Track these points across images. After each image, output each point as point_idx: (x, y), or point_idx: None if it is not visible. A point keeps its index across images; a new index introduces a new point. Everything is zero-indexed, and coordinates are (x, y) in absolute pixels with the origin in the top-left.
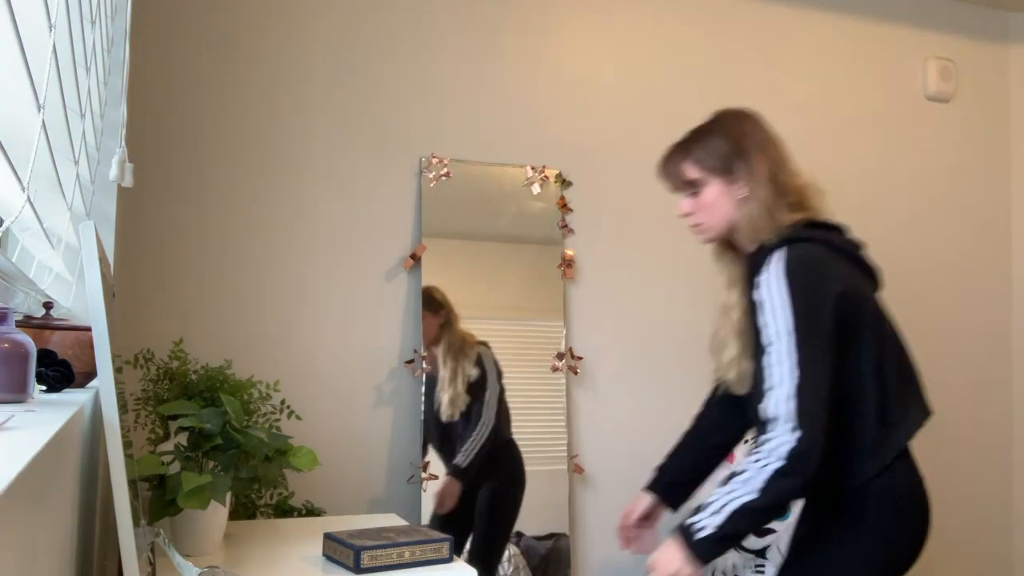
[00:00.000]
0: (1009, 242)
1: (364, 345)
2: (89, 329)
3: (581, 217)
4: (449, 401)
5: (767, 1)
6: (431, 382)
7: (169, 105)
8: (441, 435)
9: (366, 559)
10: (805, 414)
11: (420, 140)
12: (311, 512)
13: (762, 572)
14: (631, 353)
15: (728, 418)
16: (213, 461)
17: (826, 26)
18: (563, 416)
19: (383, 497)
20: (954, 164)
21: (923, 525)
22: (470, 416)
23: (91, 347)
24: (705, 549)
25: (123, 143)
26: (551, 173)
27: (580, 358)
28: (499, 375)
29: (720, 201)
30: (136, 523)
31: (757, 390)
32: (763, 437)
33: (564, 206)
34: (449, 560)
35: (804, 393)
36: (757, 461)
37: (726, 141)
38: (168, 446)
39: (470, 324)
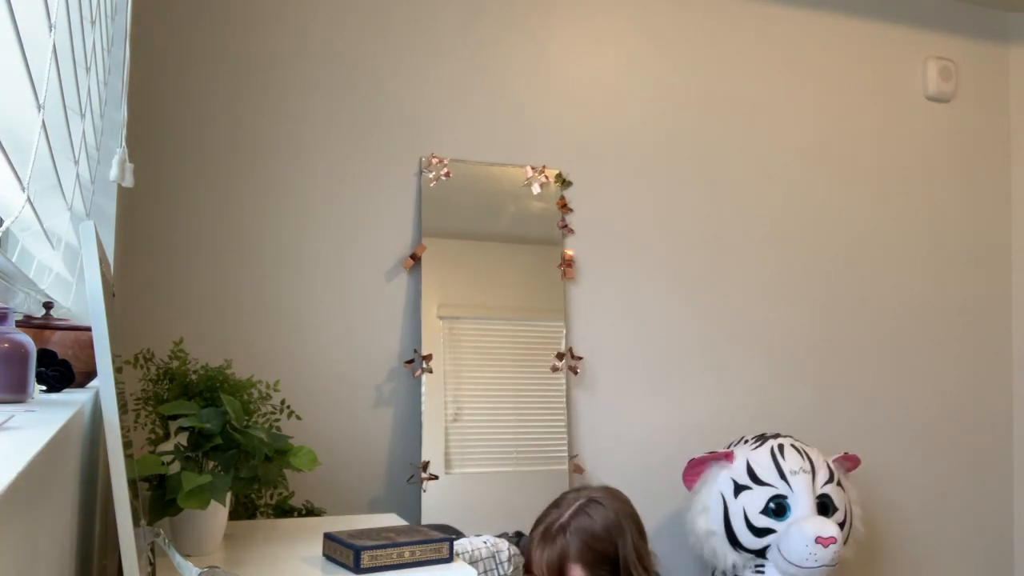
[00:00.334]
0: (1009, 242)
1: (364, 345)
2: (89, 329)
3: (581, 217)
4: None
5: (767, 1)
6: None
7: (169, 105)
8: None
9: (366, 559)
10: None
11: (420, 140)
12: (311, 512)
13: (762, 572)
14: (631, 353)
15: None
16: (213, 461)
17: (826, 26)
18: (563, 416)
19: (383, 497)
20: (954, 164)
21: None
22: None
23: (91, 347)
24: None
25: (123, 143)
26: (551, 173)
27: (580, 358)
28: None
29: None
30: (136, 523)
31: None
32: None
33: (564, 206)
34: (449, 560)
35: None
36: None
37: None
38: (168, 446)
39: (470, 324)
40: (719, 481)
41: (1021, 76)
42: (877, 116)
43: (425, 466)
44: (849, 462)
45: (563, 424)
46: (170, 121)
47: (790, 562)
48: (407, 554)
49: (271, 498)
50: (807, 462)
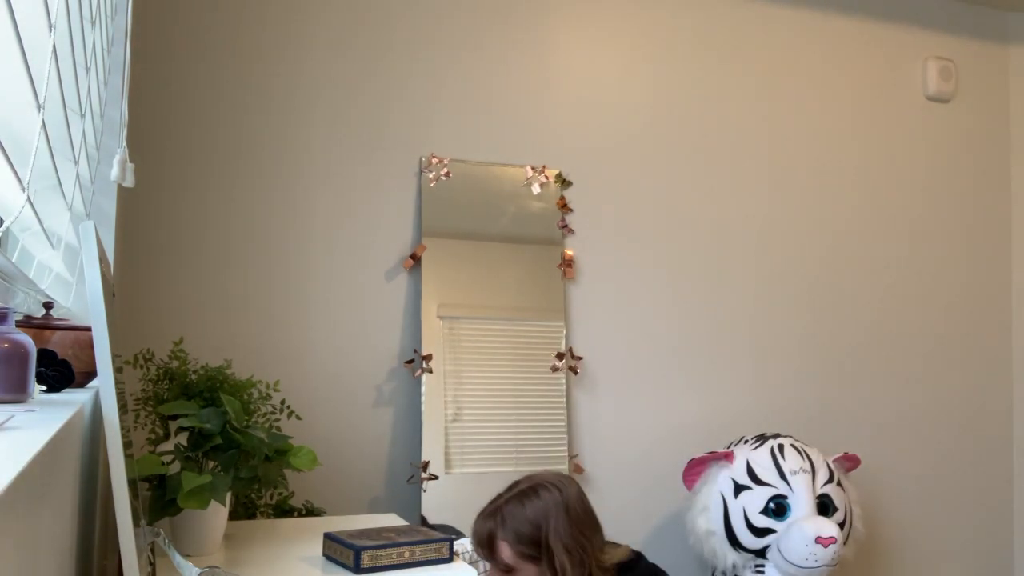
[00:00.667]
0: (1009, 242)
1: (364, 345)
2: (89, 329)
3: (581, 217)
4: None
5: (767, 2)
6: None
7: (169, 105)
8: None
9: (366, 559)
10: None
11: (420, 140)
12: (311, 512)
13: (762, 572)
14: (631, 353)
15: None
16: (213, 461)
17: (826, 26)
18: (563, 416)
19: (383, 497)
20: (954, 164)
21: None
22: None
23: (91, 347)
24: None
25: (123, 143)
26: (551, 173)
27: (580, 358)
28: None
29: None
30: (136, 523)
31: None
32: None
33: (564, 206)
34: (449, 560)
35: None
36: None
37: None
38: (168, 446)
39: (470, 324)
40: (719, 481)
41: (1021, 76)
42: (877, 116)
43: (425, 466)
44: (849, 462)
45: (563, 424)
46: (170, 121)
47: (790, 562)
48: (407, 554)
49: (271, 498)
50: (807, 462)
